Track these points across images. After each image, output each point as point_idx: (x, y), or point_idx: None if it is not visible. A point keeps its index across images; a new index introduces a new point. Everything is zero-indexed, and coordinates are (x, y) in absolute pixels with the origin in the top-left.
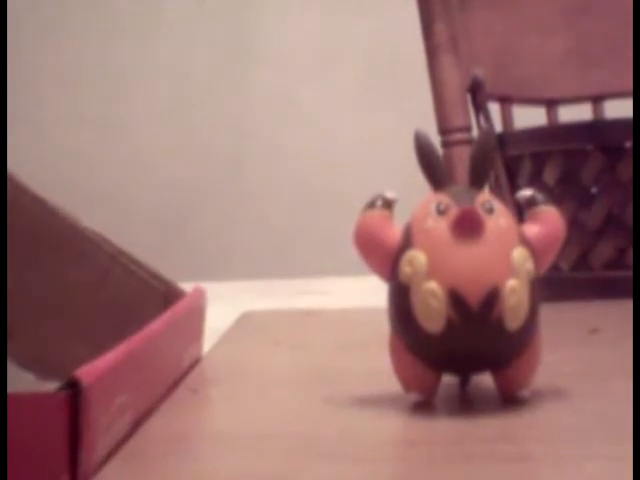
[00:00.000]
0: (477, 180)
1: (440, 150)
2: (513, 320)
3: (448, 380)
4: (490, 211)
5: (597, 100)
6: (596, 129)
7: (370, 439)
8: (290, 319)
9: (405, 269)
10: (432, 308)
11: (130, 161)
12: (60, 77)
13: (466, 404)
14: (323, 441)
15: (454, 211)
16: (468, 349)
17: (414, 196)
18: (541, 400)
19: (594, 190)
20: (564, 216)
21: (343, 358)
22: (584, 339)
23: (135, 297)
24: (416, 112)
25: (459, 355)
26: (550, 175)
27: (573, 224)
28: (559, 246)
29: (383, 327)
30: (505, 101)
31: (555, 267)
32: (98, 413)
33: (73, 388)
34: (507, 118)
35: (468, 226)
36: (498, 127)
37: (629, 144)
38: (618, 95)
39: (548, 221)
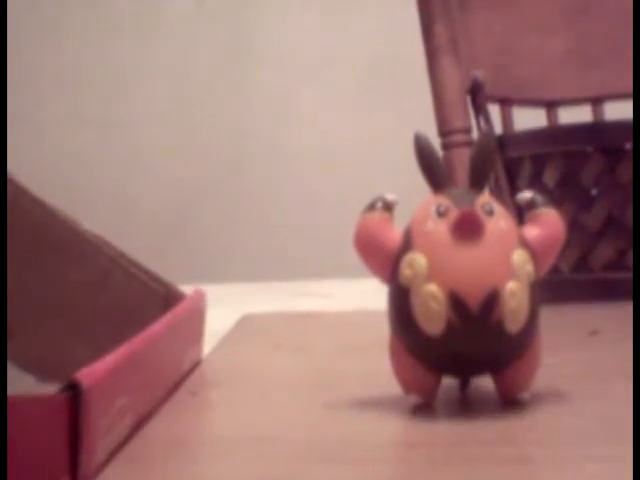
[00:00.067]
0: (477, 182)
1: (440, 152)
2: (513, 322)
3: (448, 382)
4: (490, 213)
5: (597, 102)
6: (596, 131)
7: (370, 441)
8: (290, 321)
9: (405, 271)
10: (432, 310)
11: (130, 162)
12: (60, 78)
13: (466, 406)
14: (323, 444)
15: (454, 213)
16: (468, 351)
17: (414, 198)
18: (541, 402)
19: (594, 192)
20: (564, 218)
21: (343, 360)
22: (584, 341)
23: (135, 299)
24: (416, 114)
25: (459, 357)
26: (550, 177)
27: (573, 226)
28: (559, 248)
29: (383, 329)
30: (505, 103)
31: (555, 269)
32: (98, 415)
33: (73, 390)
34: (507, 120)
35: (468, 228)
36: (498, 129)
37: (629, 146)
38: (618, 96)
39: (548, 223)
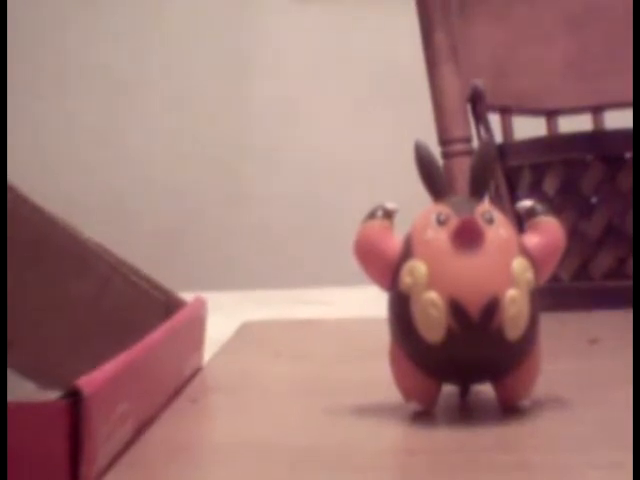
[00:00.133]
0: (477, 190)
1: (440, 161)
2: (513, 330)
3: (448, 390)
4: (490, 221)
5: (597, 110)
6: (596, 139)
7: (370, 448)
8: (290, 329)
9: (405, 279)
10: (432, 318)
11: (130, 171)
12: (61, 87)
13: (466, 414)
14: (323, 450)
15: (454, 221)
16: (468, 359)
17: (414, 207)
18: (541, 409)
19: (594, 200)
20: (564, 226)
21: (343, 368)
22: (584, 349)
23: (136, 307)
24: (416, 123)
25: (459, 365)
26: (550, 185)
27: (573, 234)
28: (559, 256)
29: (383, 337)
30: (505, 112)
31: (555, 277)
32: (99, 422)
33: (74, 397)
34: (507, 129)
35: (468, 236)
36: (498, 138)
37: (629, 154)
38: (618, 106)
39: (548, 231)
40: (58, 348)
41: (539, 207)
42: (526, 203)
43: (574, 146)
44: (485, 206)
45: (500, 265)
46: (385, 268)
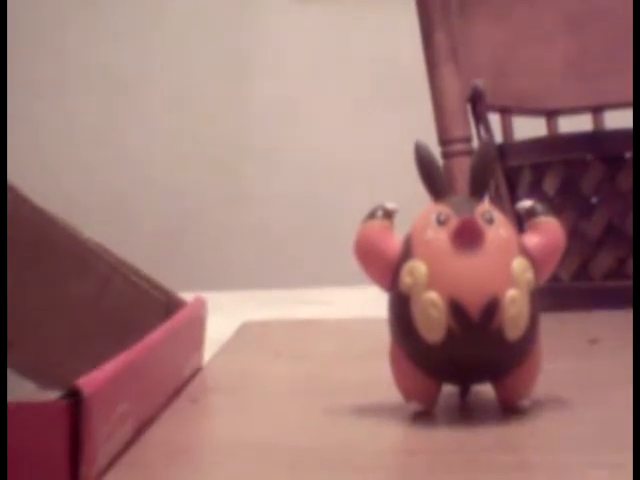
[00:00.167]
0: (477, 190)
1: (440, 161)
2: (513, 330)
3: (448, 390)
4: (490, 221)
5: (597, 111)
6: (596, 139)
7: (370, 448)
8: (290, 329)
9: (405, 279)
10: (432, 318)
11: (130, 171)
12: (61, 87)
13: (466, 414)
14: (323, 451)
15: (454, 221)
16: (468, 359)
17: (414, 207)
18: (541, 409)
19: (594, 200)
20: (564, 226)
21: (343, 368)
22: (584, 349)
23: (136, 307)
24: (416, 123)
25: (459, 365)
26: (550, 185)
27: (573, 234)
28: (559, 256)
29: (383, 337)
30: (505, 112)
31: (555, 277)
32: (99, 422)
33: (74, 397)
34: (507, 129)
35: (468, 236)
36: (498, 138)
37: (629, 154)
38: (618, 106)
39: (548, 231)
40: (58, 348)
41: (539, 207)
42: (526, 203)
43: (574, 146)
44: (485, 206)
45: (500, 265)
46: (385, 268)
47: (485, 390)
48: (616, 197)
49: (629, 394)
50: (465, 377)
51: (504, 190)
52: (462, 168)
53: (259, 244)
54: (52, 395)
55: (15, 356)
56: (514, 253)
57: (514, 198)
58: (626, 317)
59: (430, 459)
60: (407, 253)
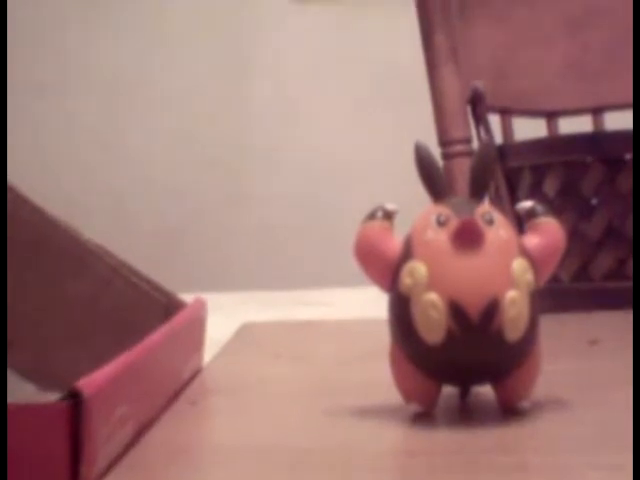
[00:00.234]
0: (477, 192)
1: (440, 162)
2: (513, 331)
3: (448, 391)
4: (490, 222)
5: (597, 112)
6: (596, 141)
7: (370, 450)
8: (290, 330)
9: (405, 280)
10: (432, 319)
11: (130, 172)
12: (61, 88)
13: (466, 415)
14: (323, 452)
15: (454, 222)
16: (468, 360)
17: (414, 208)
18: (541, 411)
19: (594, 201)
20: (564, 227)
21: (343, 369)
22: (584, 350)
23: (136, 308)
24: (416, 124)
25: (459, 366)
26: (550, 186)
27: (573, 235)
28: (559, 257)
29: (383, 338)
30: (505, 113)
31: (555, 278)
32: (99, 424)
33: (74, 398)
34: (507, 130)
35: (468, 237)
36: (498, 139)
37: (629, 156)
38: (618, 107)
39: (548, 232)
40: (58, 349)
41: (539, 208)
42: (526, 204)
43: (574, 147)
44: (485, 207)
45: (500, 266)
46: (385, 269)
47: (485, 391)
48: (616, 198)
49: (629, 395)
50: (465, 378)
51: (504, 191)
52: (462, 169)
53: (259, 245)
54: (52, 397)
55: (15, 357)
56: (514, 254)
57: (514, 199)
58: (626, 318)
59: (430, 460)
60: (407, 254)
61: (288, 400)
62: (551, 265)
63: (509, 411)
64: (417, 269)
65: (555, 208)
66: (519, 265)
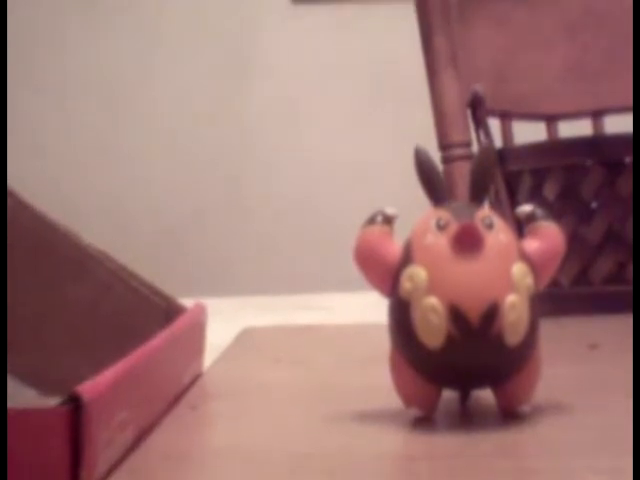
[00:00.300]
0: (477, 195)
1: (440, 166)
2: (513, 335)
3: (448, 395)
4: (490, 226)
5: (597, 115)
6: (596, 144)
7: (371, 454)
8: (290, 335)
9: (405, 285)
10: (432, 323)
11: (131, 177)
12: (62, 93)
13: (466, 419)
14: (323, 456)
15: (454, 227)
16: (468, 364)
17: (414, 212)
18: (541, 415)
19: (594, 205)
20: (564, 231)
21: (343, 373)
22: (584, 354)
23: (136, 313)
24: (416, 127)
25: (459, 370)
26: (550, 190)
27: (573, 239)
28: (559, 261)
29: (383, 343)
30: (505, 116)
31: (555, 282)
32: (99, 428)
33: (74, 403)
34: (507, 133)
35: (468, 242)
36: (498, 142)
37: (629, 159)
38: (618, 110)
39: (548, 236)
40: (58, 353)
41: (539, 212)
42: (526, 208)
43: (574, 151)
44: (485, 211)
45: (500, 270)
46: (385, 274)
47: (485, 396)
48: (616, 202)
49: (629, 399)
50: (465, 383)
51: (504, 195)
52: (462, 173)
53: (259, 249)
54: (52, 401)
55: (15, 361)
56: (514, 258)
57: (514, 203)
58: (626, 322)
59: (430, 464)
60: (407, 258)
61: (288, 405)
62: (551, 269)
63: (509, 415)
64: (417, 274)
65: (555, 212)
66: (519, 269)
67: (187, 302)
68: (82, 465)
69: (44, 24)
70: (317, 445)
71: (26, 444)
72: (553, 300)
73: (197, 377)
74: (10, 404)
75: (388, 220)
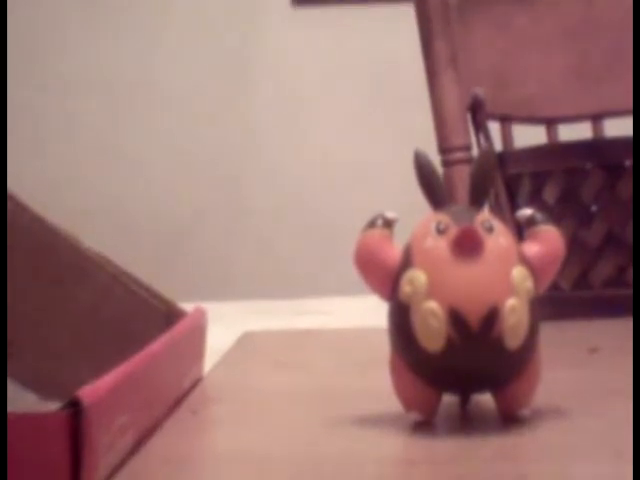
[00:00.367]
0: (477, 199)
1: (440, 169)
2: (513, 339)
3: (448, 399)
4: (490, 230)
5: (597, 118)
6: (596, 147)
7: (371, 458)
8: (290, 339)
9: (405, 288)
10: (432, 327)
11: (131, 180)
12: (62, 96)
13: (466, 423)
14: (324, 461)
15: (454, 230)
16: (468, 368)
17: (414, 216)
18: (541, 419)
19: (594, 208)
20: (564, 234)
21: (343, 377)
22: (584, 358)
23: (136, 317)
24: (416, 131)
25: (459, 374)
26: (550, 194)
27: (573, 242)
28: (559, 265)
29: (383, 346)
30: (505, 120)
31: (555, 286)
32: (100, 433)
33: (75, 408)
34: (507, 137)
35: (468, 245)
36: (498, 146)
37: (629, 162)
38: (618, 113)
39: (548, 240)
40: (58, 357)
41: (539, 216)
42: (526, 211)
43: (574, 154)
44: (485, 215)
45: (500, 274)
46: (385, 277)
47: (485, 399)
48: (616, 205)
49: (629, 403)
50: (465, 386)
51: (504, 198)
52: (462, 176)
53: (259, 254)
54: (53, 406)
55: (15, 365)
56: (514, 262)
57: (514, 206)
58: (626, 326)
59: (430, 469)
60: (407, 262)
61: (288, 409)
62: (551, 273)
63: (509, 419)
64: (417, 277)
65: (555, 215)
66: (519, 273)
67: (187, 306)
68: (82, 469)
69: (44, 24)
70: (317, 449)
71: (26, 449)
72: (553, 304)
73: (197, 381)
74: (10, 409)
75: (388, 224)
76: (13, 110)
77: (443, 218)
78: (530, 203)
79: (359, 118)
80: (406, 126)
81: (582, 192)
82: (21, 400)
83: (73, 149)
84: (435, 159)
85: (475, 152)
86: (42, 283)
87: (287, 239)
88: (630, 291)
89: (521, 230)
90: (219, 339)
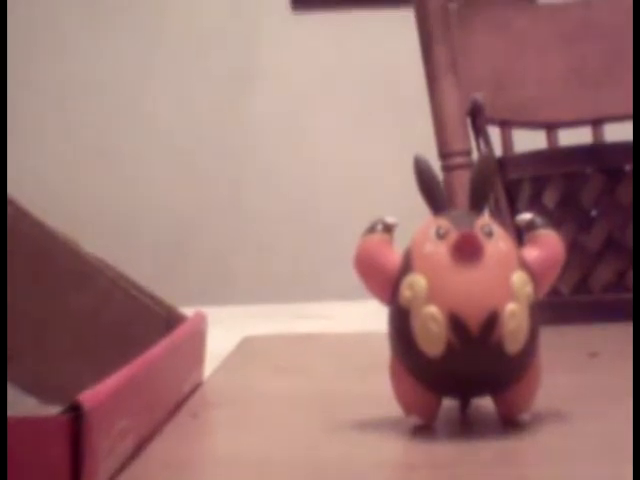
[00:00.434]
0: (477, 204)
1: (440, 174)
2: (513, 344)
3: (448, 404)
4: (489, 235)
5: (597, 123)
6: (596, 152)
7: (371, 462)
8: (291, 343)
9: (405, 293)
10: (432, 332)
11: (131, 185)
12: (62, 102)
13: (466, 427)
14: (324, 465)
15: (454, 235)
16: (468, 373)
17: (414, 220)
18: (541, 423)
19: (594, 213)
20: (564, 239)
21: (344, 382)
22: (584, 362)
23: (136, 321)
24: (416, 136)
25: (459, 379)
26: (550, 198)
27: (573, 247)
28: (559, 269)
29: (383, 351)
30: (505, 124)
31: (555, 290)
32: (100, 437)
33: (75, 412)
34: (507, 141)
35: (468, 250)
36: (498, 151)
37: (629, 167)
38: (618, 118)
39: (548, 244)
40: (58, 362)
41: (539, 220)
42: (526, 216)
43: (574, 159)
44: (485, 219)
45: (500, 279)
46: (385, 282)
47: (485, 404)
48: (616, 210)
49: (629, 407)
50: (465, 391)
51: (504, 203)
52: (462, 181)
53: (259, 258)
54: (53, 410)
55: (15, 370)
56: (514, 267)
57: (514, 211)
58: (626, 330)
59: (430, 473)
60: (407, 267)
61: (288, 413)
62: (551, 277)
63: (509, 423)
64: (417, 282)
65: (555, 220)
66: (519, 278)
67: (187, 311)
68: (83, 474)
69: (44, 24)
70: (317, 453)
71: (26, 453)
72: (553, 308)
73: (197, 385)
74: (10, 412)
75: (388, 229)
76: (13, 110)
77: (443, 223)
78: (530, 208)
79: (359, 123)
80: (406, 131)
81: (582, 197)
82: (21, 404)
83: (72, 147)
84: (435, 164)
85: (475, 157)
86: (42, 288)
87: (287, 244)
88: (630, 295)
89: (521, 235)
90: (219, 343)
